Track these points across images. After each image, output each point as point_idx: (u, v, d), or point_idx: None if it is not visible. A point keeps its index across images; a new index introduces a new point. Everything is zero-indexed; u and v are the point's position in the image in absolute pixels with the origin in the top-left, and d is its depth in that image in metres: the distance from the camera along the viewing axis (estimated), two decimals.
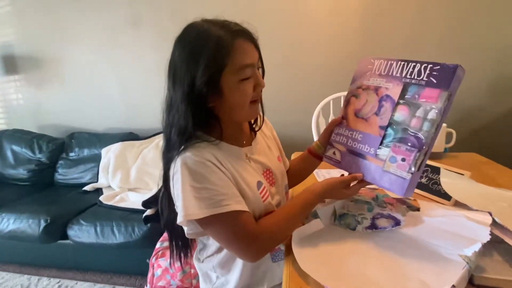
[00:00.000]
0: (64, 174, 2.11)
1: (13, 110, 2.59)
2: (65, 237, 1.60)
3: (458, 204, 0.75)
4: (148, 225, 1.45)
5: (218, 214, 0.56)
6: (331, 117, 1.79)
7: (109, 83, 2.27)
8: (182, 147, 0.61)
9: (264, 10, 1.91)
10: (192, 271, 1.27)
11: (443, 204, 0.80)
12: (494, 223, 0.59)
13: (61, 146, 2.20)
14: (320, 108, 1.76)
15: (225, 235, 0.61)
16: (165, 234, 1.33)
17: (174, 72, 0.62)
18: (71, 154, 2.16)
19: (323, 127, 1.77)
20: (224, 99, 0.61)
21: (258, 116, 0.75)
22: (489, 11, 1.69)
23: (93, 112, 2.37)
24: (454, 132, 1.22)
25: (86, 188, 1.94)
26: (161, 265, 1.27)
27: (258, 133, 0.78)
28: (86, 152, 2.13)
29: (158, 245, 1.32)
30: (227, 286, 0.75)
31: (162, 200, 0.72)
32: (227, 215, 0.57)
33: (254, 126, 0.77)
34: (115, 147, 1.99)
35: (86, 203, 1.78)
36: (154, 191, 1.68)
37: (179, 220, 0.58)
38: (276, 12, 1.90)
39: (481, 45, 1.74)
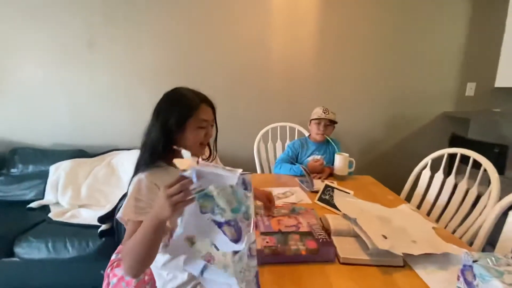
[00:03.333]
0: (4, 191, 2.05)
1: None
2: (11, 254, 1.61)
3: (344, 214, 1.12)
4: (103, 239, 1.58)
5: (135, 221, 0.79)
6: (270, 144, 2.15)
7: (57, 99, 2.29)
8: (141, 167, 0.89)
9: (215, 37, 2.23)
10: (146, 277, 1.45)
11: (337, 214, 1.16)
12: (356, 225, 0.96)
13: (1, 162, 2.14)
14: (260, 135, 2.11)
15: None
16: (121, 246, 1.48)
17: (158, 112, 0.92)
18: (13, 170, 2.12)
19: (262, 151, 2.12)
20: (184, 136, 0.92)
21: (212, 151, 1.07)
22: (390, 66, 2.28)
23: (38, 128, 2.34)
24: (354, 160, 1.65)
25: (32, 205, 1.94)
26: (117, 274, 1.41)
27: None
28: (31, 168, 2.12)
29: (113, 257, 1.46)
30: (176, 280, 0.98)
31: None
32: (138, 223, 0.76)
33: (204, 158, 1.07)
34: (66, 164, 2.04)
35: (33, 220, 1.80)
36: (108, 207, 1.79)
37: (118, 215, 0.83)
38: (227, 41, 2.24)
39: (380, 91, 2.33)
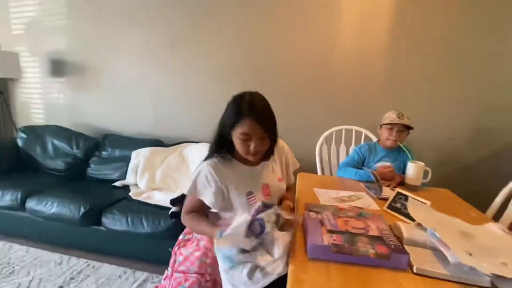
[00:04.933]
0: (96, 170, 2.41)
1: (52, 108, 2.93)
2: (99, 223, 1.88)
3: (419, 224, 1.04)
4: (173, 220, 1.74)
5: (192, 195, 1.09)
6: (333, 147, 2.10)
7: (142, 94, 2.61)
8: (208, 154, 1.09)
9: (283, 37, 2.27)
10: (208, 260, 1.54)
11: (408, 223, 1.08)
12: (434, 237, 0.88)
13: (95, 145, 2.52)
14: (324, 137, 2.08)
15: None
16: (187, 229, 1.61)
17: (223, 114, 1.06)
18: (104, 152, 2.47)
19: (325, 153, 2.08)
20: (233, 142, 1.04)
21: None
22: (476, 75, 2.03)
23: (125, 118, 2.70)
24: (430, 170, 1.52)
25: (117, 183, 2.24)
26: (183, 253, 1.53)
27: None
28: (117, 152, 2.44)
29: (181, 237, 1.59)
30: None
31: None
32: (194, 197, 1.09)
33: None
34: (145, 151, 2.30)
35: (117, 197, 2.07)
36: (178, 192, 1.97)
37: (184, 191, 1.11)
38: (296, 44, 2.26)
39: (467, 101, 2.08)
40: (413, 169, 1.50)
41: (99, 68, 2.69)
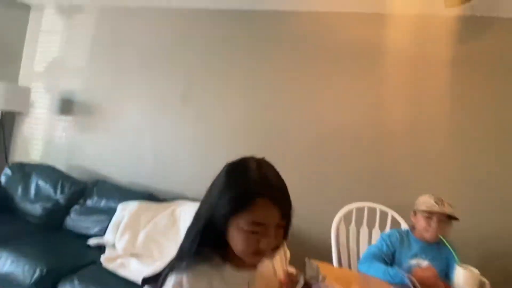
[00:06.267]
0: (75, 221, 2.10)
1: (52, 146, 2.78)
2: None
3: None
4: None
5: None
6: (353, 227, 1.74)
7: (144, 141, 2.43)
8: (179, 258, 0.66)
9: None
10: None
11: None
12: None
13: (82, 191, 2.25)
14: (341, 214, 1.73)
15: None
16: None
17: (211, 188, 0.69)
18: (89, 201, 2.19)
19: (342, 235, 1.71)
20: (230, 235, 0.64)
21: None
22: None
23: (122, 164, 2.49)
24: (487, 282, 1.13)
25: (90, 242, 1.90)
26: None
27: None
28: (103, 202, 2.15)
29: None
30: None
31: None
32: None
33: None
34: (132, 206, 2.00)
35: (85, 259, 1.72)
36: (157, 265, 1.60)
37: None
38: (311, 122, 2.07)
39: None
40: (465, 278, 1.12)
41: (106, 110, 2.58)
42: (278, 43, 2.17)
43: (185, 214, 1.98)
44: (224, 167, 0.69)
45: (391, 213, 1.72)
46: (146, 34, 2.51)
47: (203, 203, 0.69)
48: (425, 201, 1.36)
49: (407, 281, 1.11)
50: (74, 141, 2.69)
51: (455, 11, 1.79)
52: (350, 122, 2.00)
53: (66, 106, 2.72)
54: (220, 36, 2.30)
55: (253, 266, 0.72)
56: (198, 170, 2.28)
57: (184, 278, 0.63)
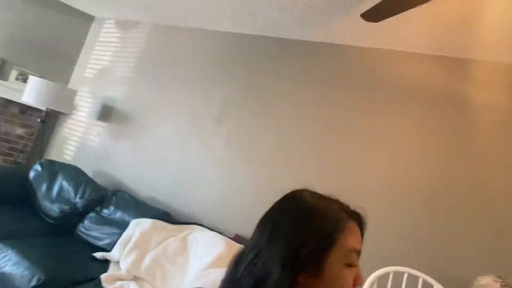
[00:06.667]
0: (88, 229, 2.03)
1: (84, 149, 2.84)
2: None
3: None
4: None
5: None
6: None
7: (171, 158, 2.37)
8: None
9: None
10: None
11: None
12: None
13: (101, 198, 2.20)
14: (375, 277, 1.46)
15: None
16: None
17: (273, 230, 0.53)
18: (105, 210, 2.12)
19: None
20: (319, 284, 0.50)
21: None
22: None
23: (145, 176, 2.44)
24: None
25: (96, 255, 1.79)
26: None
27: None
28: (118, 214, 2.07)
29: None
30: None
31: None
32: None
33: None
34: (145, 223, 1.89)
35: (87, 274, 1.60)
36: None
37: None
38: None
39: None
40: None
41: (141, 121, 2.60)
42: (332, 77, 2.00)
43: (197, 241, 1.82)
44: (279, 205, 0.57)
45: (436, 285, 1.42)
46: (190, 53, 2.54)
47: (256, 252, 0.52)
48: (488, 284, 1.08)
49: None
50: (105, 147, 2.73)
51: None
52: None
53: (105, 112, 2.79)
54: (264, 62, 2.25)
55: None
56: (220, 196, 2.15)
57: None
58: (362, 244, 0.55)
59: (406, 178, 1.72)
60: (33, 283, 1.42)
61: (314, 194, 0.57)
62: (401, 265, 1.48)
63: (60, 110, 2.76)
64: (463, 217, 1.60)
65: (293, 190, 0.58)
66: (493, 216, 1.54)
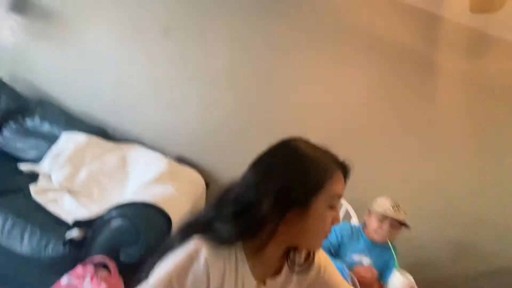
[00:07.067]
0: (8, 139, 1.83)
1: None
2: None
3: None
4: (66, 248, 1.22)
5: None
6: None
7: (108, 71, 2.12)
8: (211, 236, 0.59)
9: None
10: None
11: None
12: None
13: (22, 107, 1.94)
14: None
15: None
16: (77, 270, 1.11)
17: (268, 172, 0.62)
18: (29, 121, 1.90)
19: None
20: (304, 220, 0.61)
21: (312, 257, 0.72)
22: None
23: (77, 88, 2.17)
24: None
25: (22, 167, 1.67)
26: None
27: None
28: (46, 126, 1.88)
29: (64, 281, 1.09)
30: None
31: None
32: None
33: (295, 266, 0.70)
34: (79, 138, 1.78)
35: (12, 184, 1.51)
36: (93, 209, 1.45)
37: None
38: None
39: None
40: (400, 283, 1.15)
41: (68, 21, 2.17)
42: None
43: (138, 159, 1.82)
44: (272, 152, 0.64)
45: (346, 206, 1.73)
46: None
47: (248, 186, 0.61)
48: (382, 204, 1.36)
49: (348, 279, 1.11)
50: (24, 49, 2.28)
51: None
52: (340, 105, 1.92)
53: (22, 2, 2.26)
54: None
55: (269, 276, 0.68)
56: (162, 114, 2.07)
57: (204, 249, 0.57)
58: (343, 191, 0.65)
59: (340, 108, 1.92)
60: None
61: (307, 143, 0.65)
62: None
63: None
64: (373, 154, 1.88)
65: (287, 138, 0.66)
66: None
